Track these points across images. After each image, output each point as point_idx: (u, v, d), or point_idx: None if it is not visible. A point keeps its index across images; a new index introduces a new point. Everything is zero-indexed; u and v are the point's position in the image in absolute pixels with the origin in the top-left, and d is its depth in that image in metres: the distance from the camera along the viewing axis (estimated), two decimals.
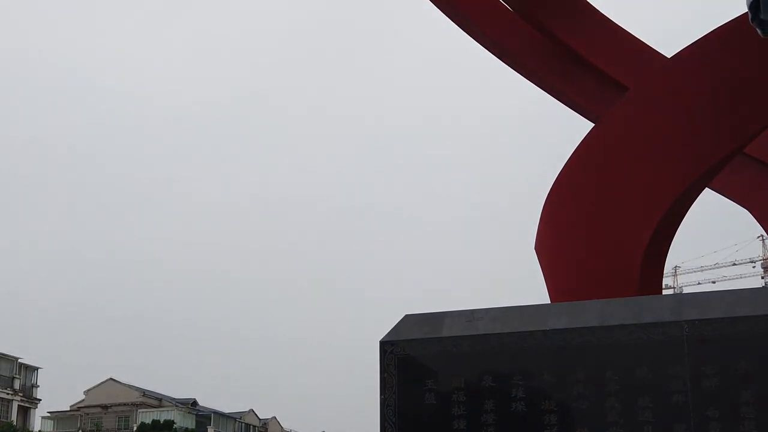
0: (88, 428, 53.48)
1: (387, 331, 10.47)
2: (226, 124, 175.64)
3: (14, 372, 64.15)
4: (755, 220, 15.42)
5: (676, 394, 9.39)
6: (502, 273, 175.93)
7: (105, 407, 74.91)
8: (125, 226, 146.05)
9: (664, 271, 12.41)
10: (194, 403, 78.23)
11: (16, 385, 63.71)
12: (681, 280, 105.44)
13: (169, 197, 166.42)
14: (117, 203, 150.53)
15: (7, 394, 62.63)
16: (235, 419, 79.70)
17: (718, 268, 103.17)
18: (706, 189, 12.62)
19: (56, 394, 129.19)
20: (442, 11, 13.87)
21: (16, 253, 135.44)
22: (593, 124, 12.47)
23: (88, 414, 73.20)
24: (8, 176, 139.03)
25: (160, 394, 77.73)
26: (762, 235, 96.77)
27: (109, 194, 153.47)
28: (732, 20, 10.57)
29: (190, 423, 70.75)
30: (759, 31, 3.18)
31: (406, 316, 10.75)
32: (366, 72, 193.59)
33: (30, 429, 58.99)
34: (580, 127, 13.27)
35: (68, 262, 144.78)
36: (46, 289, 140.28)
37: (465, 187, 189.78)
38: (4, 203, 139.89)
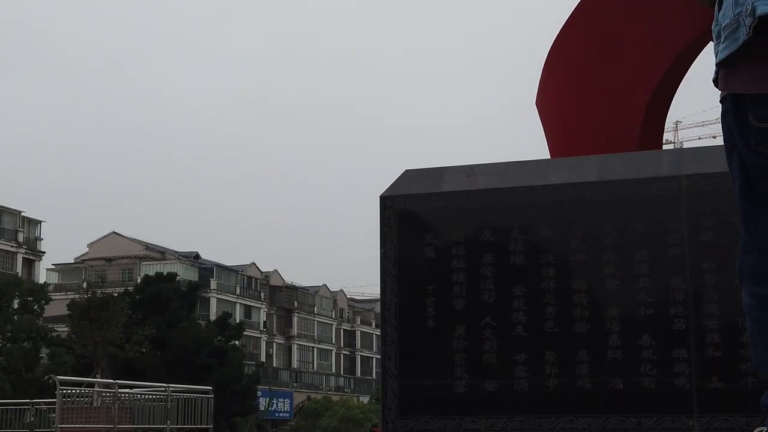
0: (93, 280, 54.29)
1: (387, 186, 10.55)
2: None
3: (17, 225, 64.81)
4: None
5: (673, 248, 9.53)
6: (503, 129, 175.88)
7: (109, 260, 76.02)
8: (129, 73, 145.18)
9: (665, 126, 12.41)
10: (197, 256, 79.26)
11: (20, 238, 64.46)
12: (682, 135, 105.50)
13: (175, 44, 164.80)
14: (120, 44, 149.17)
15: (12, 246, 63.43)
16: (237, 272, 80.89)
17: (719, 122, 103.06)
18: (711, 43, 12.49)
19: (59, 247, 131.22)
20: None
21: (18, 101, 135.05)
22: None
23: (92, 266, 74.28)
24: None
25: (163, 248, 78.75)
26: None
27: (115, 31, 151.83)
28: None
29: (193, 276, 71.83)
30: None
31: (406, 171, 10.82)
32: None
33: (35, 280, 59.93)
34: None
35: (70, 112, 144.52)
36: (48, 141, 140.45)
37: (466, 42, 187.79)
38: (4, 48, 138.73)
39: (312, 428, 57.48)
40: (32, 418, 22.82)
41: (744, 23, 2.37)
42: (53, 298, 50.85)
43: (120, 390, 20.43)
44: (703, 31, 10.66)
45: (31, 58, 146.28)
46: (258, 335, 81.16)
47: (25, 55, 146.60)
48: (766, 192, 2.48)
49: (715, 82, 2.57)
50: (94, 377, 29.01)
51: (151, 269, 66.02)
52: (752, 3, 2.35)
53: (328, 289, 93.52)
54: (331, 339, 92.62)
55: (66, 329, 42.55)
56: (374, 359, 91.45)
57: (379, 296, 10.68)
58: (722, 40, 2.50)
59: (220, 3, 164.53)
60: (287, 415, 74.16)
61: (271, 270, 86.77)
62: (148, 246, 77.66)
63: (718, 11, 2.52)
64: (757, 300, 2.50)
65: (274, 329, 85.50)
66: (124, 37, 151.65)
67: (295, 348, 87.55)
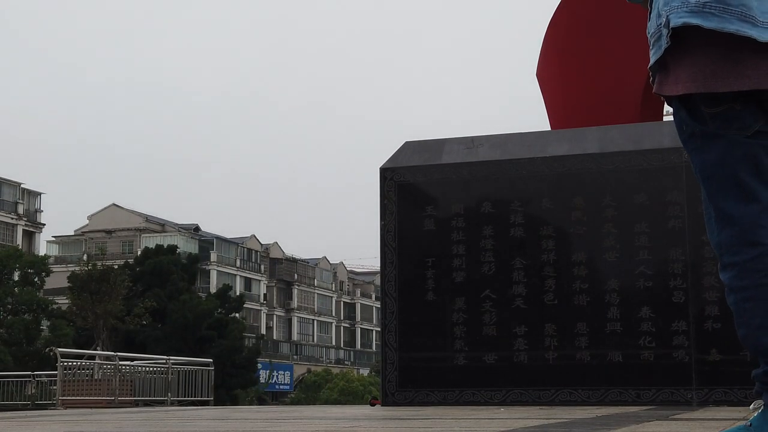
0: (93, 252, 54.18)
1: (387, 158, 10.51)
2: None
3: (17, 197, 64.72)
4: None
5: (673, 220, 9.52)
6: (504, 100, 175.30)
7: (109, 232, 75.95)
8: (130, 46, 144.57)
9: None
10: (197, 228, 79.19)
11: (20, 210, 64.37)
12: None
13: (178, 19, 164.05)
14: (122, 23, 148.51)
15: (12, 218, 63.37)
16: (237, 244, 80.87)
17: None
18: None
19: (59, 219, 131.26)
20: None
21: (17, 75, 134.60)
22: None
23: (92, 239, 74.24)
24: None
25: (163, 220, 78.67)
26: None
27: (115, 10, 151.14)
28: None
29: (194, 248, 71.77)
30: None
31: (406, 142, 10.78)
32: None
33: (35, 252, 59.93)
34: None
35: (70, 85, 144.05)
36: (47, 113, 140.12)
37: (468, 12, 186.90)
38: (5, 20, 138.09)
39: (312, 400, 57.68)
40: (33, 390, 22.90)
41: (663, 33, 2.56)
42: (53, 270, 50.84)
43: (121, 362, 20.48)
44: None
45: (28, 27, 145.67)
46: (258, 308, 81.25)
47: (23, 25, 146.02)
48: (728, 158, 2.56)
49: (652, 83, 2.71)
50: (95, 349, 29.08)
51: (151, 241, 65.94)
52: (667, 15, 2.53)
53: (328, 261, 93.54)
54: (332, 311, 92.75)
55: (66, 301, 42.56)
56: (374, 332, 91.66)
57: (379, 268, 10.66)
58: (651, 45, 2.67)
59: None
60: (287, 387, 74.38)
61: (271, 242, 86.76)
62: (148, 218, 77.57)
63: (649, 17, 2.70)
64: (737, 270, 2.57)
65: (275, 302, 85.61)
66: (127, 8, 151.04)
67: (295, 320, 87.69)
